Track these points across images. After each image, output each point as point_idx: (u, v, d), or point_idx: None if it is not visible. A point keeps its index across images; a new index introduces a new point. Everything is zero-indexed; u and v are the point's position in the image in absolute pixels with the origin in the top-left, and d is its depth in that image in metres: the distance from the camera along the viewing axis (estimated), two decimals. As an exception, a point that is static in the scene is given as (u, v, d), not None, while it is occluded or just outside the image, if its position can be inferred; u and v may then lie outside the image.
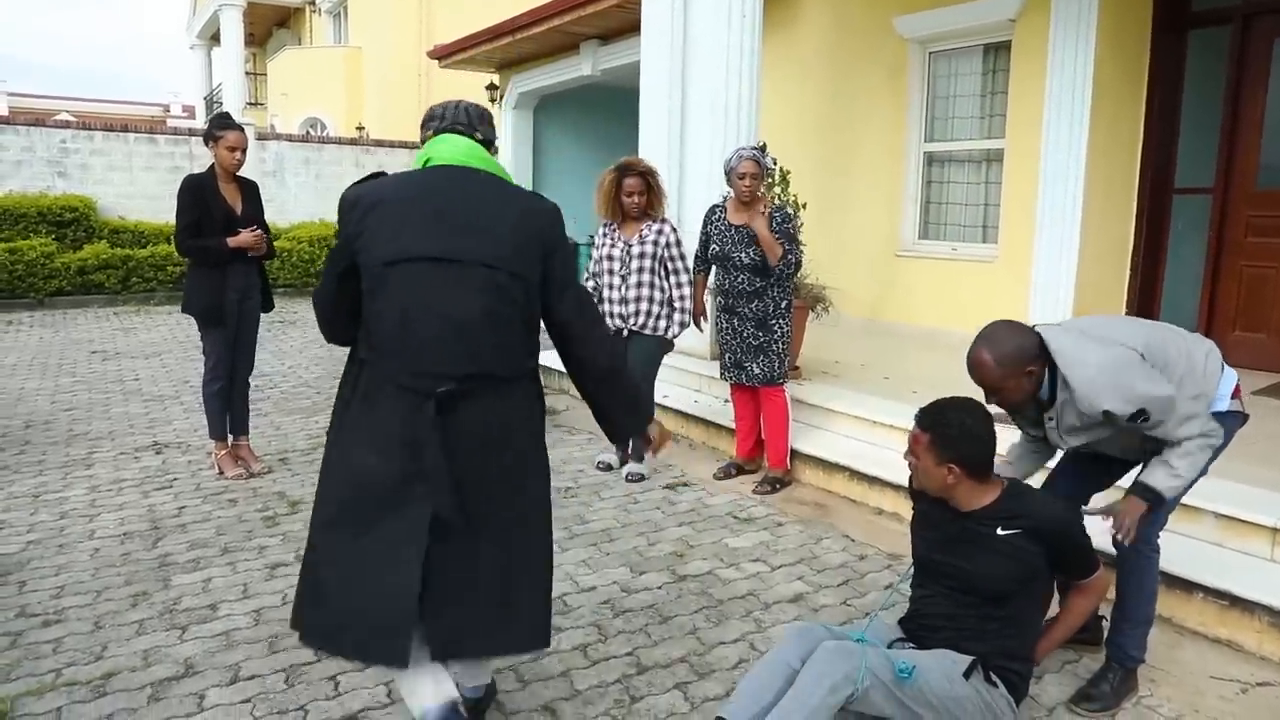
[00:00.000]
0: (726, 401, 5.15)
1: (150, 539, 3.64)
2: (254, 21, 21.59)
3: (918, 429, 2.33)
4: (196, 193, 4.22)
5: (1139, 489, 2.42)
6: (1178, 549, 3.06)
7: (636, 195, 4.38)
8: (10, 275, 10.58)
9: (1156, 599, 2.62)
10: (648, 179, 4.41)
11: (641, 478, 4.54)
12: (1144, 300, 6.28)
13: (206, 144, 4.34)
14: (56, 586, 3.19)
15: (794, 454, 4.53)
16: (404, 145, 14.88)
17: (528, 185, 12.83)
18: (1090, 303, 5.99)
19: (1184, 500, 3.15)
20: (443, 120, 2.24)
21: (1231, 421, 2.51)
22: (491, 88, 13.32)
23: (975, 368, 2.37)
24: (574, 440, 5.28)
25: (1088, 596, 2.45)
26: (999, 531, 2.29)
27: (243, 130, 4.36)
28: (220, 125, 4.29)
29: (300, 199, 13.92)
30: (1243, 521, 3.09)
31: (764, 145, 4.40)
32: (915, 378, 5.20)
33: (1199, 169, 6.11)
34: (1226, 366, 2.54)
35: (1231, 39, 5.85)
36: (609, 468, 4.69)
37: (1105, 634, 2.80)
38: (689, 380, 5.77)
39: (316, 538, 2.12)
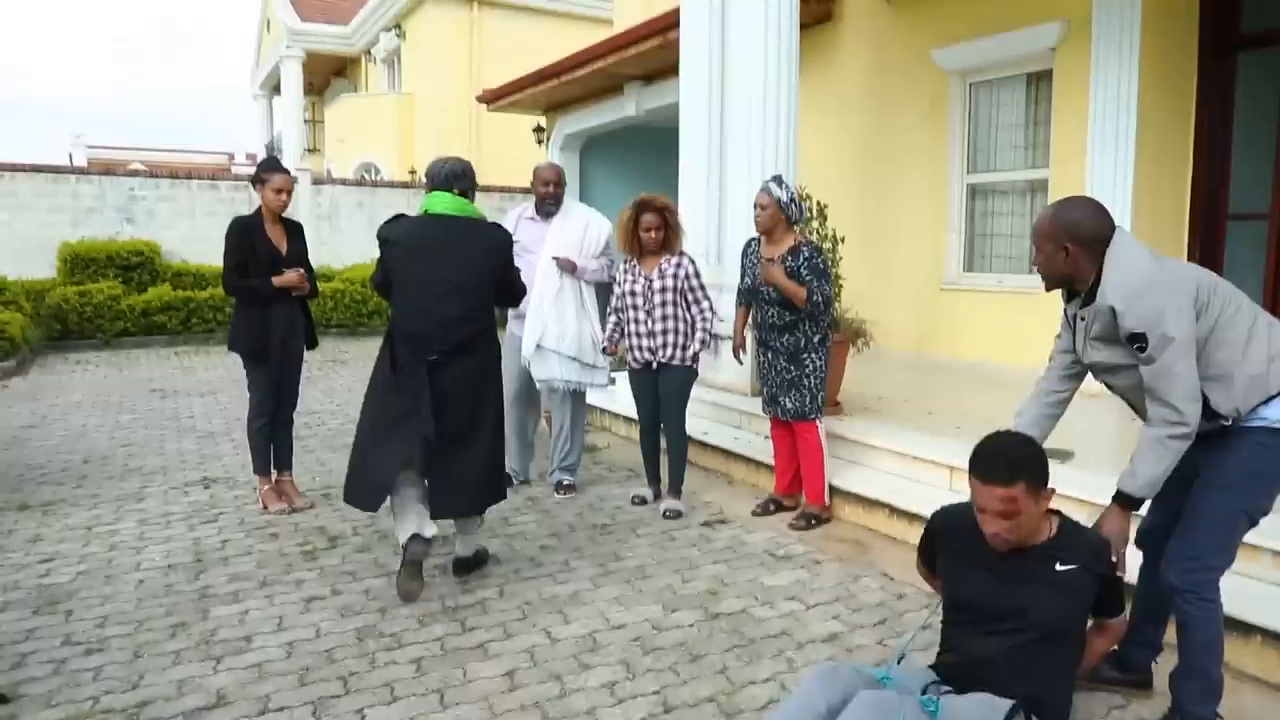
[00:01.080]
0: (767, 438, 5.10)
1: (193, 571, 3.72)
2: (313, 71, 22.38)
3: (1008, 488, 2.14)
4: (244, 234, 4.36)
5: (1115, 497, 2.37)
6: (1233, 589, 2.90)
7: (654, 230, 4.43)
8: (80, 317, 11.04)
9: (1217, 654, 2.43)
10: (664, 215, 4.45)
11: (679, 514, 4.50)
12: (1200, 331, 6.08)
13: (254, 186, 4.50)
14: (101, 616, 3.27)
15: (833, 490, 4.46)
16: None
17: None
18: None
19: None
20: (434, 180, 3.59)
21: None
22: (538, 129, 13.60)
23: (1038, 218, 2.46)
24: (613, 478, 5.27)
25: (1107, 637, 2.44)
26: (1058, 567, 2.22)
27: (288, 173, 4.51)
28: (267, 168, 4.44)
29: (354, 242, 14.29)
30: (1302, 560, 2.94)
31: (779, 176, 4.38)
32: (959, 413, 5.08)
33: (1254, 193, 5.94)
34: None
35: (1284, 61, 5.72)
36: (644, 501, 4.67)
37: (1153, 678, 2.69)
38: (730, 417, 5.72)
39: (359, 439, 3.52)
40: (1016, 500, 2.15)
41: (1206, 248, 6.11)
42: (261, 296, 4.38)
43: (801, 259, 4.15)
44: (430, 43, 18.03)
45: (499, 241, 3.59)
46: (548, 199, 4.85)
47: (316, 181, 14.56)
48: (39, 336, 10.69)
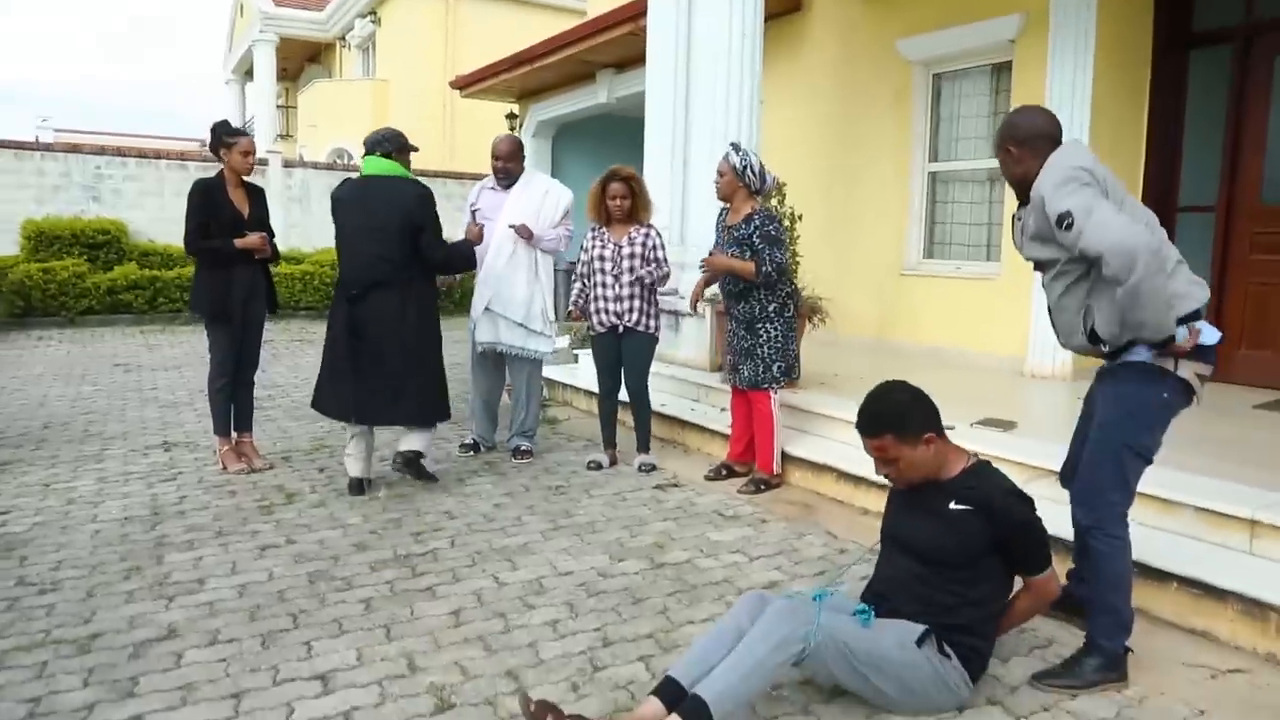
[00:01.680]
0: (723, 410, 5.22)
1: (150, 523, 3.76)
2: (286, 57, 22.22)
3: (876, 439, 2.39)
4: (206, 195, 4.39)
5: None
6: (1155, 542, 3.07)
7: (620, 199, 4.56)
8: (43, 294, 10.92)
9: (1125, 590, 2.56)
10: (630, 184, 4.59)
11: (653, 468, 4.71)
12: (1147, 317, 6.27)
13: (216, 153, 4.50)
14: (56, 561, 3.31)
15: (785, 458, 4.56)
16: (423, 174, 15.18)
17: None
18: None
19: (1162, 494, 3.21)
20: (368, 147, 4.24)
21: (1155, 381, 2.43)
22: (511, 116, 13.64)
23: None
24: (571, 446, 5.35)
25: (1029, 597, 2.45)
26: (951, 505, 2.34)
27: (251, 136, 4.56)
28: (230, 132, 4.46)
29: (325, 225, 14.14)
30: (1220, 514, 3.07)
31: (736, 144, 4.49)
32: (911, 388, 5.21)
33: (1203, 187, 6.12)
34: (1203, 328, 2.42)
35: (1233, 58, 5.89)
36: (599, 466, 4.77)
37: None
38: (688, 390, 5.83)
39: (322, 360, 4.29)
40: (887, 448, 2.38)
41: (1155, 237, 6.30)
42: (224, 257, 4.40)
43: (753, 226, 4.25)
44: (406, 29, 18.00)
45: (416, 194, 4.11)
46: (499, 174, 4.92)
47: (287, 164, 14.49)
48: (1, 313, 10.57)
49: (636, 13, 8.42)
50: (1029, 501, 2.39)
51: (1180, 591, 2.90)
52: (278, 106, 22.37)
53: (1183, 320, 2.37)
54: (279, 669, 2.51)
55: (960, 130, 7.22)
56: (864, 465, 4.26)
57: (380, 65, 19.28)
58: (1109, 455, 2.49)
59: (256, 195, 4.61)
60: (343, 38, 20.93)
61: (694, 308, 4.88)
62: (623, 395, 4.82)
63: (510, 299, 4.81)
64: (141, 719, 2.23)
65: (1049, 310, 2.71)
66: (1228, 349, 5.89)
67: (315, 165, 15.10)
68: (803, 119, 8.14)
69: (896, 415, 2.38)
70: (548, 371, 7.11)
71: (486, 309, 4.84)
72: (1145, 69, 6.20)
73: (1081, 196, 2.34)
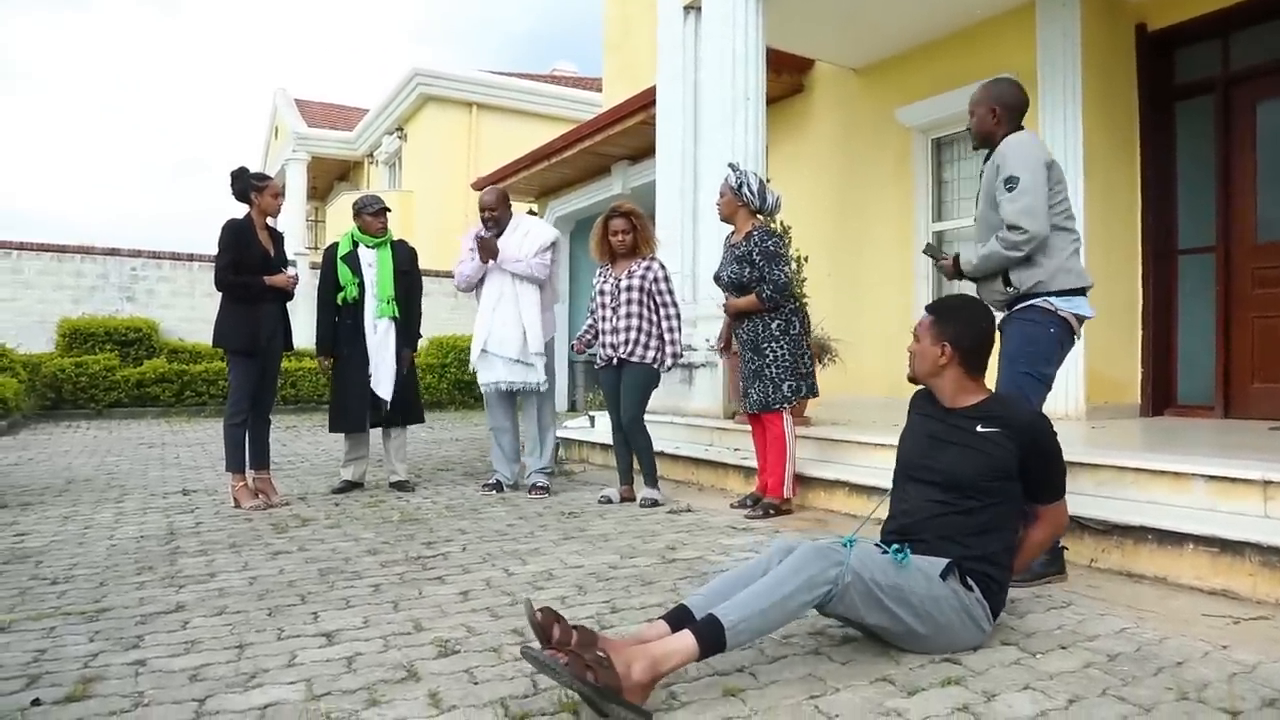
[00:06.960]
0: (736, 450, 5.23)
1: (165, 539, 3.79)
2: (317, 176, 23.28)
3: (928, 314, 2.54)
4: (238, 235, 4.60)
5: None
6: (1168, 516, 3.03)
7: (621, 234, 4.71)
8: (74, 386, 11.20)
9: None
10: (631, 219, 4.72)
11: (655, 503, 4.62)
12: (1159, 357, 6.28)
13: (246, 198, 4.72)
14: (70, 564, 3.34)
15: (797, 480, 4.53)
16: (448, 274, 15.63)
17: (565, 304, 13.38)
18: (1104, 361, 6.01)
19: (1171, 468, 3.20)
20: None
21: (1045, 320, 2.98)
22: (531, 214, 14.12)
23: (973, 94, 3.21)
24: (587, 488, 5.35)
25: (1044, 527, 2.50)
26: (978, 429, 2.36)
27: (274, 179, 4.85)
28: (259, 177, 4.72)
29: (349, 323, 14.57)
30: (1232, 480, 3.03)
31: (734, 164, 4.65)
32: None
33: (1200, 229, 6.23)
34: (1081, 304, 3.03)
35: (1216, 106, 6.11)
36: (609, 501, 4.74)
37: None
38: (702, 436, 5.85)
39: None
40: (922, 325, 2.51)
41: (1160, 281, 6.38)
42: (252, 293, 4.58)
43: (753, 243, 4.36)
44: (430, 142, 18.91)
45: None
46: (487, 224, 5.18)
47: (314, 266, 14.99)
48: (32, 406, 10.81)
49: (647, 102, 8.86)
50: (1052, 426, 2.43)
51: (1197, 552, 2.85)
52: (308, 221, 23.29)
53: (1062, 293, 2.94)
54: (284, 629, 2.50)
55: (962, 191, 7.44)
56: (875, 477, 4.25)
57: (406, 178, 20.15)
58: (1014, 382, 2.93)
59: (278, 238, 4.84)
60: (371, 155, 21.98)
61: (724, 349, 5.03)
62: None
63: (503, 339, 4.96)
64: (145, 663, 2.22)
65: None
66: (1242, 384, 5.88)
67: (341, 267, 15.58)
68: (810, 190, 8.40)
69: (951, 311, 2.52)
70: (564, 433, 7.17)
71: (483, 350, 5.00)
72: (1134, 121, 6.41)
73: (1036, 175, 2.90)
